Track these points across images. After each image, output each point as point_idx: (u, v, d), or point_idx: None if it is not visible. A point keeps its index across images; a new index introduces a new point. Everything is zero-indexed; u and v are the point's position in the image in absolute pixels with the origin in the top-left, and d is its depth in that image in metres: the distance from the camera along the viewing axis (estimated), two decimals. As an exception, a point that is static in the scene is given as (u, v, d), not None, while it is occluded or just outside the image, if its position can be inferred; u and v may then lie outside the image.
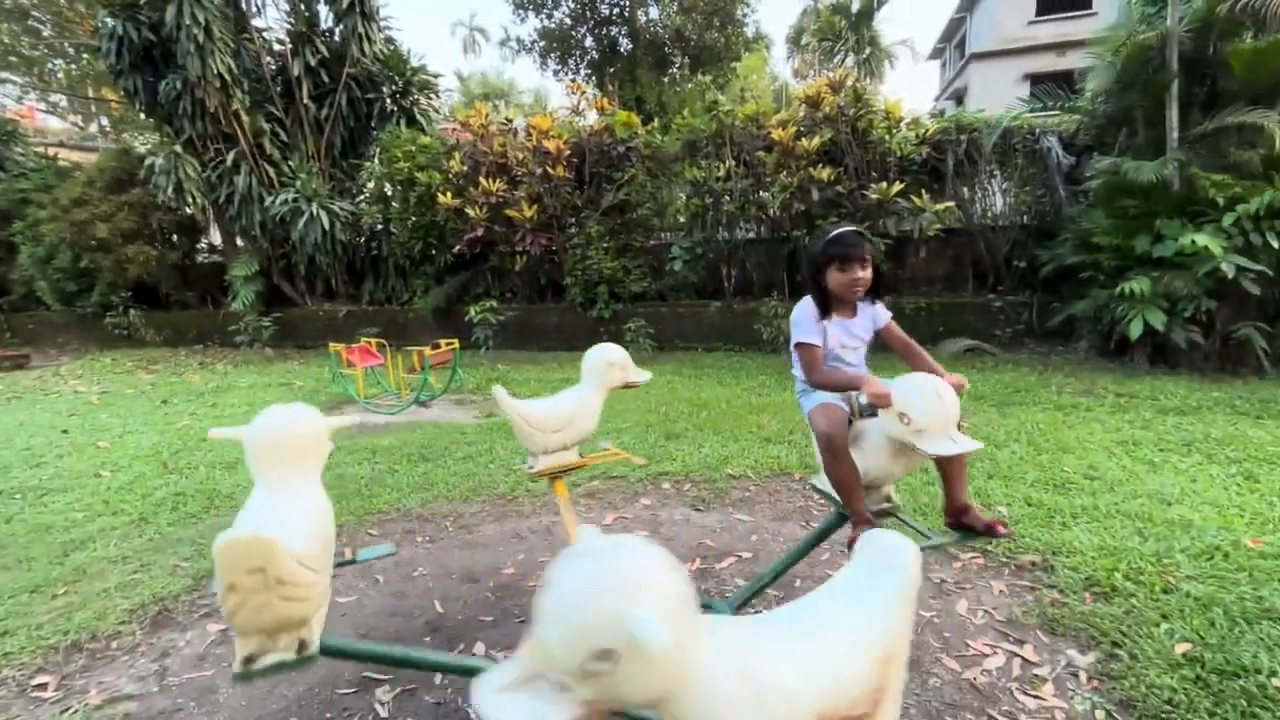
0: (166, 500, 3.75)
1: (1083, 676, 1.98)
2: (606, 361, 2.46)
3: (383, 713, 1.96)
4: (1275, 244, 5.12)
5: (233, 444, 1.64)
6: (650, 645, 0.72)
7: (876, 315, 2.11)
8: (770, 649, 0.92)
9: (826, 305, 2.02)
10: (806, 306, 2.03)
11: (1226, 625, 2.10)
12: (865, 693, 0.92)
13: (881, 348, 2.12)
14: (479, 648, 2.28)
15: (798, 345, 2.00)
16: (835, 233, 2.00)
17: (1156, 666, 1.95)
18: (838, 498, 1.92)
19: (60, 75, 15.97)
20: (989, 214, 7.78)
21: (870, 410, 1.82)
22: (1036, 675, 2.00)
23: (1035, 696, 1.91)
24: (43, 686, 2.14)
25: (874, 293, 2.05)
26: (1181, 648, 2.02)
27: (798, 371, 2.06)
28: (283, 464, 1.58)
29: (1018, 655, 2.09)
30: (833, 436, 1.88)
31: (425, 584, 2.77)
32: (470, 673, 1.61)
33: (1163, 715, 1.78)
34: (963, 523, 1.91)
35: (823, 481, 1.97)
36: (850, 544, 1.92)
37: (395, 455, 4.42)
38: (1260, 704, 1.77)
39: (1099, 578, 2.45)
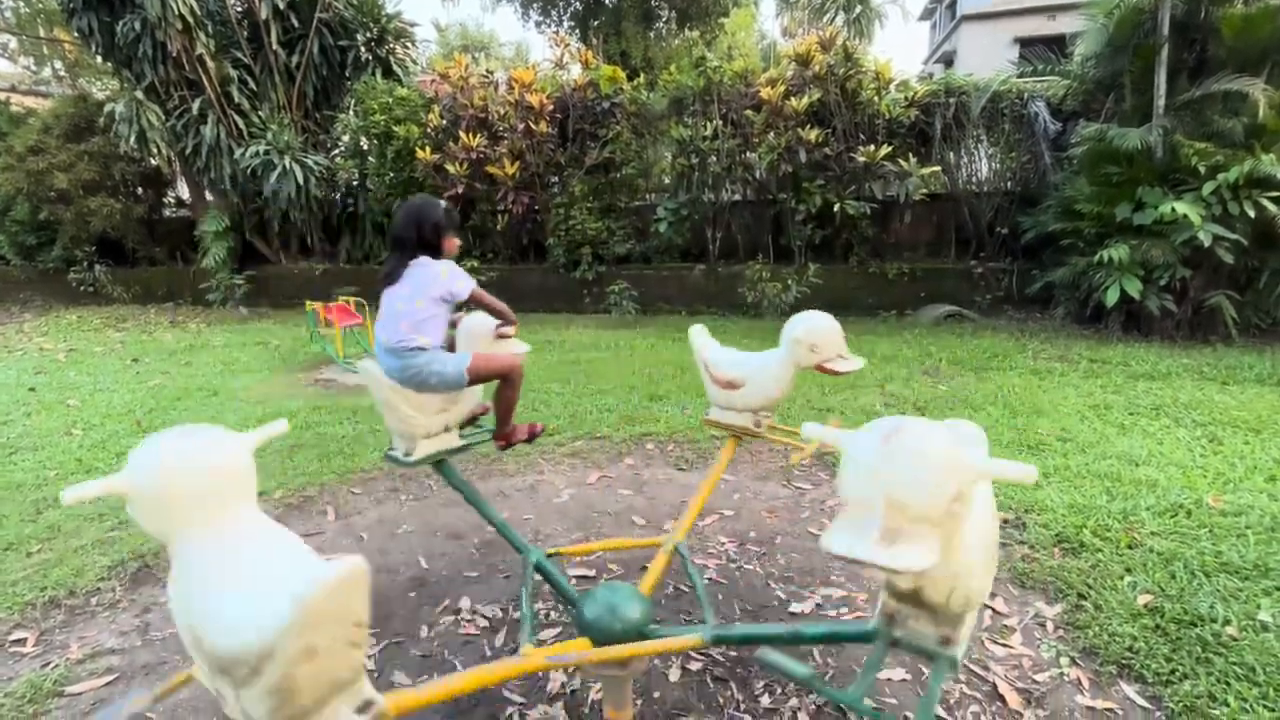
0: (142, 459, 3.68)
1: (1050, 626, 2.07)
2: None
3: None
4: (1252, 213, 5.18)
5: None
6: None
7: None
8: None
9: None
10: None
11: (1186, 578, 2.20)
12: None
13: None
14: (464, 602, 2.31)
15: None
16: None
17: (1119, 616, 2.04)
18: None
19: (8, 14, 14.98)
20: (974, 179, 7.75)
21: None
22: (1006, 625, 2.08)
23: (1004, 645, 1.99)
24: (21, 642, 2.13)
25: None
26: (1143, 599, 2.11)
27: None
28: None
29: (988, 607, 2.17)
30: None
31: (410, 541, 2.78)
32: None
33: (1123, 661, 1.87)
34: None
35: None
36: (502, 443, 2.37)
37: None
38: (1214, 650, 1.86)
39: (1068, 534, 2.54)
